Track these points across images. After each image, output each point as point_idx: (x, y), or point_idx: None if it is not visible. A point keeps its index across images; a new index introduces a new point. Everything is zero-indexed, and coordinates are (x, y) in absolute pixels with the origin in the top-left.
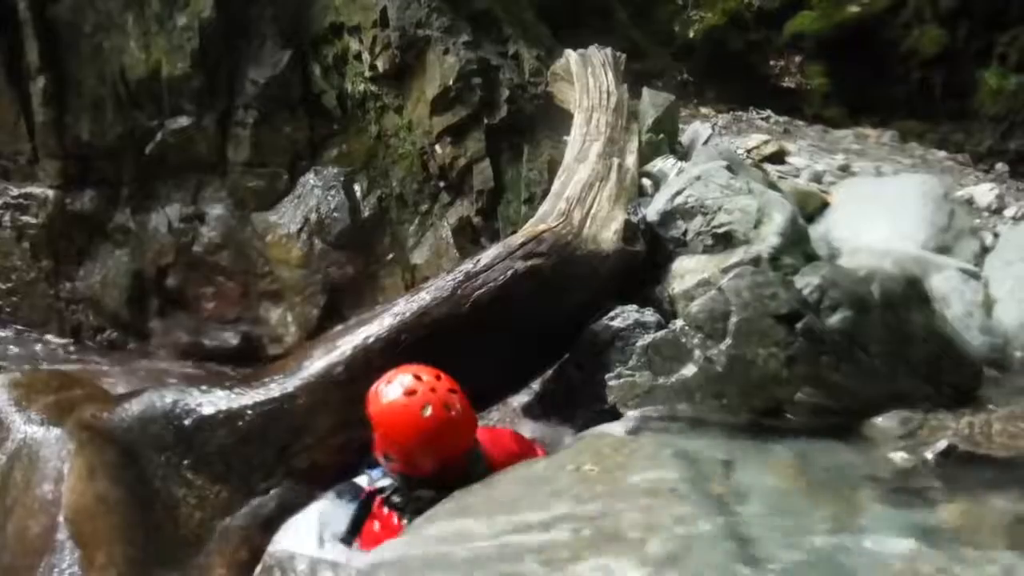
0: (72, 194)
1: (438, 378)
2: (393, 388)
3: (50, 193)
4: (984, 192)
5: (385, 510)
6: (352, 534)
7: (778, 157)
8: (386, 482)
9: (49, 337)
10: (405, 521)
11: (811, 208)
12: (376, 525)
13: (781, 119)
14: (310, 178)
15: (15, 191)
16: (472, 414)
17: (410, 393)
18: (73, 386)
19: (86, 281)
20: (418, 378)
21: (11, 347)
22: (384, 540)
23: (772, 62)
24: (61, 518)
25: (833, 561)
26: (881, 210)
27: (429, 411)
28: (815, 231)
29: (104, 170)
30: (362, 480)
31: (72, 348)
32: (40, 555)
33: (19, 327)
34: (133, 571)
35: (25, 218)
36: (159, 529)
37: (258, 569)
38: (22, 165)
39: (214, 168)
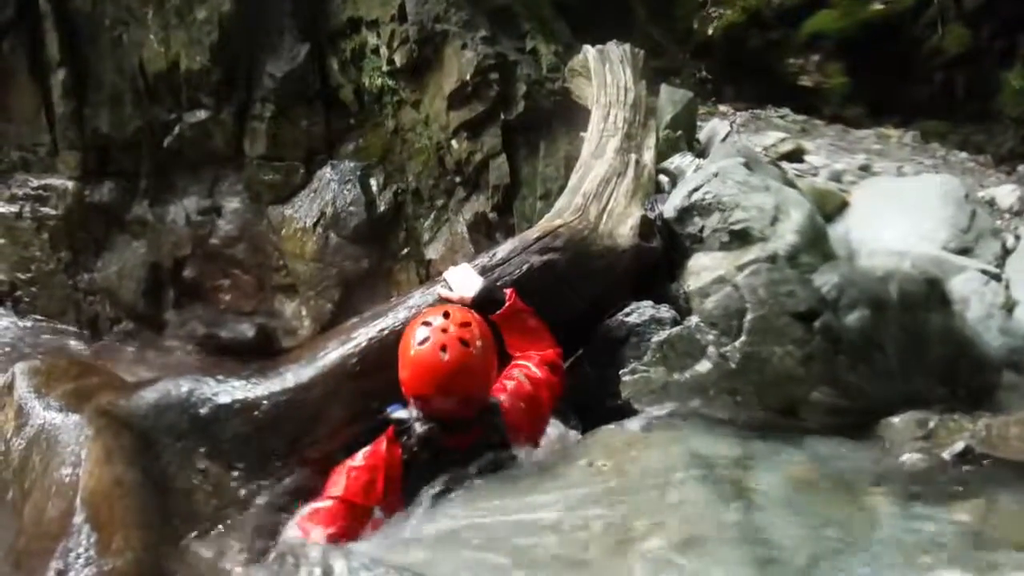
0: (91, 186)
1: (447, 316)
2: (410, 342)
3: (69, 185)
4: (1006, 193)
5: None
6: (360, 444)
7: (796, 155)
8: (403, 415)
9: (67, 327)
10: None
11: (830, 207)
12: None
13: (799, 118)
14: (326, 172)
15: (35, 182)
16: (491, 342)
17: (423, 342)
18: (91, 374)
19: (103, 272)
20: (427, 324)
21: (30, 336)
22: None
23: (791, 60)
24: (78, 501)
25: (847, 561)
26: (901, 210)
27: (446, 355)
28: (834, 230)
29: (123, 162)
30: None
31: (89, 338)
32: (56, 539)
33: (37, 317)
34: (148, 556)
35: (44, 209)
36: (174, 515)
37: (271, 556)
38: (42, 157)
39: (231, 161)
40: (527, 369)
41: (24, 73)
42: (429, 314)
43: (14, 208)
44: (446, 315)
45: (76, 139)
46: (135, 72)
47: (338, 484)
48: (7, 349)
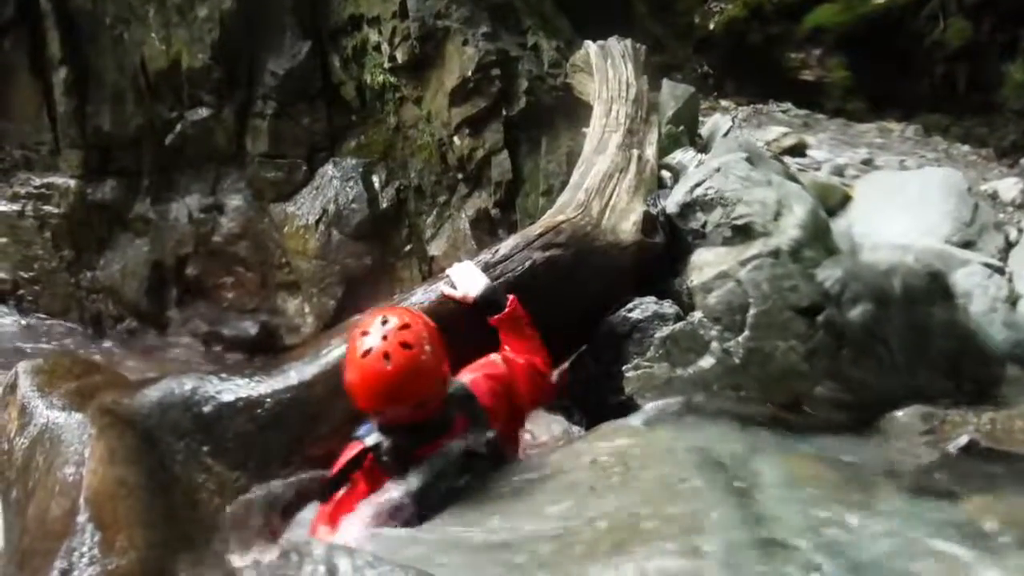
0: (93, 184)
1: (384, 322)
2: (353, 356)
3: (71, 183)
4: (1008, 187)
5: (377, 469)
6: (336, 484)
7: (798, 150)
8: (376, 439)
9: (70, 326)
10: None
11: (832, 202)
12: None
13: (801, 112)
14: (328, 169)
15: (37, 181)
16: (438, 337)
17: (365, 354)
18: (94, 372)
19: (106, 270)
20: (365, 334)
21: (33, 335)
22: (363, 497)
23: (792, 55)
24: (82, 500)
25: (852, 554)
26: (904, 204)
27: (389, 363)
28: (837, 225)
29: (125, 160)
30: (361, 433)
31: (92, 337)
32: (60, 538)
33: (41, 315)
34: (152, 554)
35: (47, 208)
36: (178, 514)
37: (275, 554)
38: (44, 155)
39: (233, 159)
40: (505, 353)
41: (25, 71)
42: (366, 323)
43: (16, 207)
44: (384, 321)
45: (78, 137)
46: (136, 70)
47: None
48: (10, 347)
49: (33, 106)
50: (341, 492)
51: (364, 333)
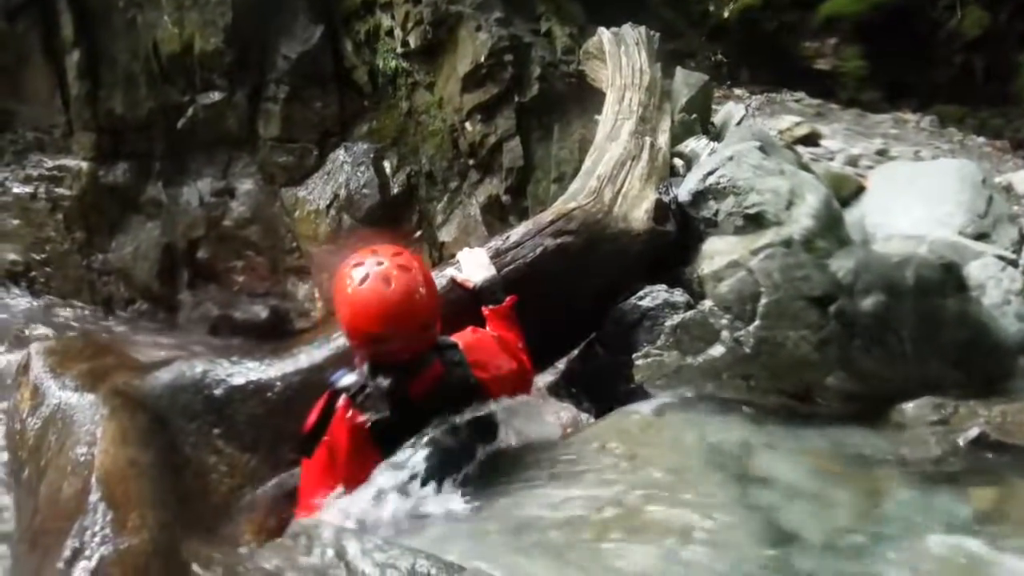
0: (105, 167)
1: (375, 252)
2: (346, 286)
3: (84, 165)
4: (1023, 179)
5: (350, 412)
6: (315, 435)
7: (811, 139)
8: (353, 378)
9: (81, 308)
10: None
11: (846, 192)
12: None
13: (815, 102)
14: (340, 154)
15: (49, 163)
16: (428, 270)
17: (364, 280)
18: (106, 354)
19: (118, 253)
20: (359, 264)
21: (45, 317)
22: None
23: (807, 44)
24: (94, 480)
25: (860, 545)
26: (918, 195)
27: (392, 285)
28: (850, 215)
29: (137, 144)
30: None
31: (103, 319)
32: (72, 518)
33: (52, 297)
34: (164, 535)
35: (59, 190)
36: (190, 495)
37: (285, 536)
38: (56, 138)
39: (244, 143)
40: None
41: (39, 54)
42: (355, 258)
43: (29, 189)
44: (375, 251)
45: (90, 120)
46: (149, 54)
47: (307, 484)
48: (22, 328)
49: (46, 89)
50: (322, 445)
51: (357, 264)
